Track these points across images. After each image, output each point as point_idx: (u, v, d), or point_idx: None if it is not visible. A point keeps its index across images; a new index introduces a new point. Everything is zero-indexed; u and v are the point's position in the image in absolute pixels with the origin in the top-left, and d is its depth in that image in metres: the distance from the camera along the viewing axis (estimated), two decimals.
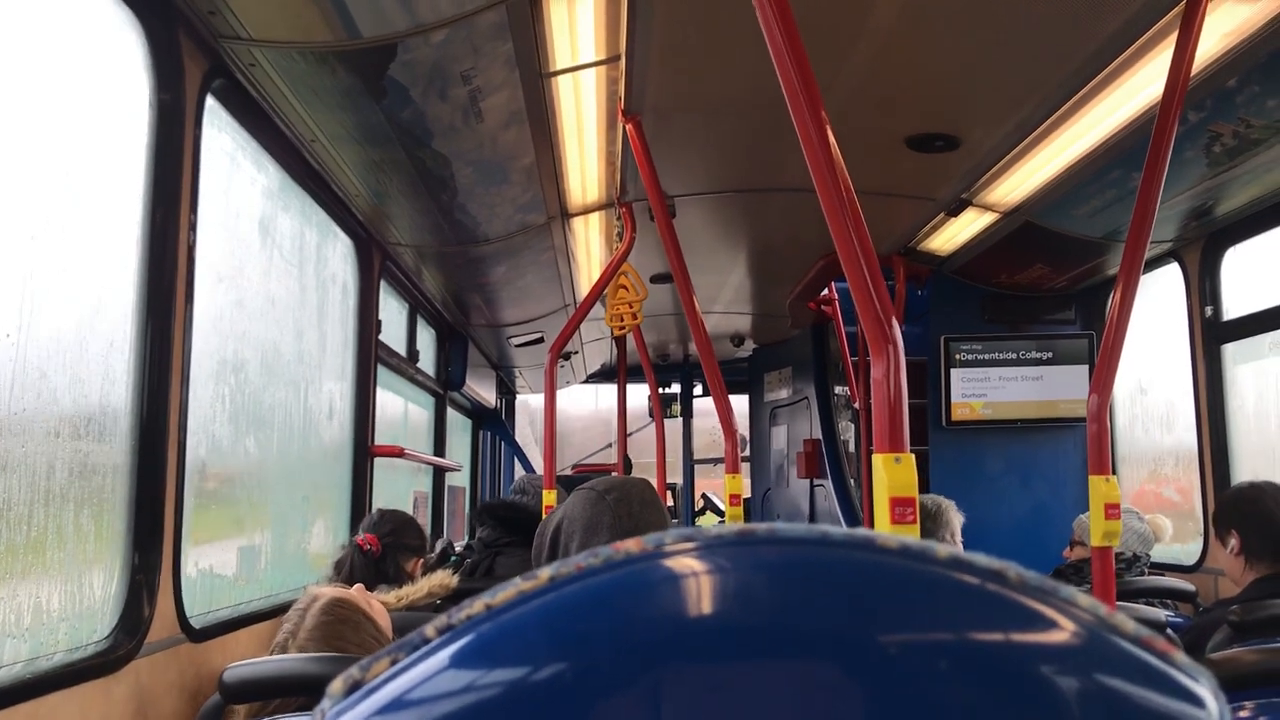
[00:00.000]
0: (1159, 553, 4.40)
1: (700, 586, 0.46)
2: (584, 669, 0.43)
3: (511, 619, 0.46)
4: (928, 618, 0.45)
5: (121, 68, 2.43)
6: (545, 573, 0.47)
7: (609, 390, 9.73)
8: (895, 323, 1.70)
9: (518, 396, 10.41)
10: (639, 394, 9.63)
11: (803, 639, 0.44)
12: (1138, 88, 3.18)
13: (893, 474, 1.62)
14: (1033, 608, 0.46)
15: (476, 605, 0.47)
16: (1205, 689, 0.45)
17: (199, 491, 2.87)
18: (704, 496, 10.13)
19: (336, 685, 0.47)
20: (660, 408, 6.29)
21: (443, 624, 0.47)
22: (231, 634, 2.88)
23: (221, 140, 2.97)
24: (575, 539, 2.02)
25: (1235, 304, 4.29)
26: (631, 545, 0.48)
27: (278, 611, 3.26)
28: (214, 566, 3.05)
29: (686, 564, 0.47)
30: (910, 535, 1.57)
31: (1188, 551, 4.57)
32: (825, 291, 6.43)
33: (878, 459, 1.66)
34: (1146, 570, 4.04)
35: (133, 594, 2.33)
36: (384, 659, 0.47)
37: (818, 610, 0.45)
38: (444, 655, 0.45)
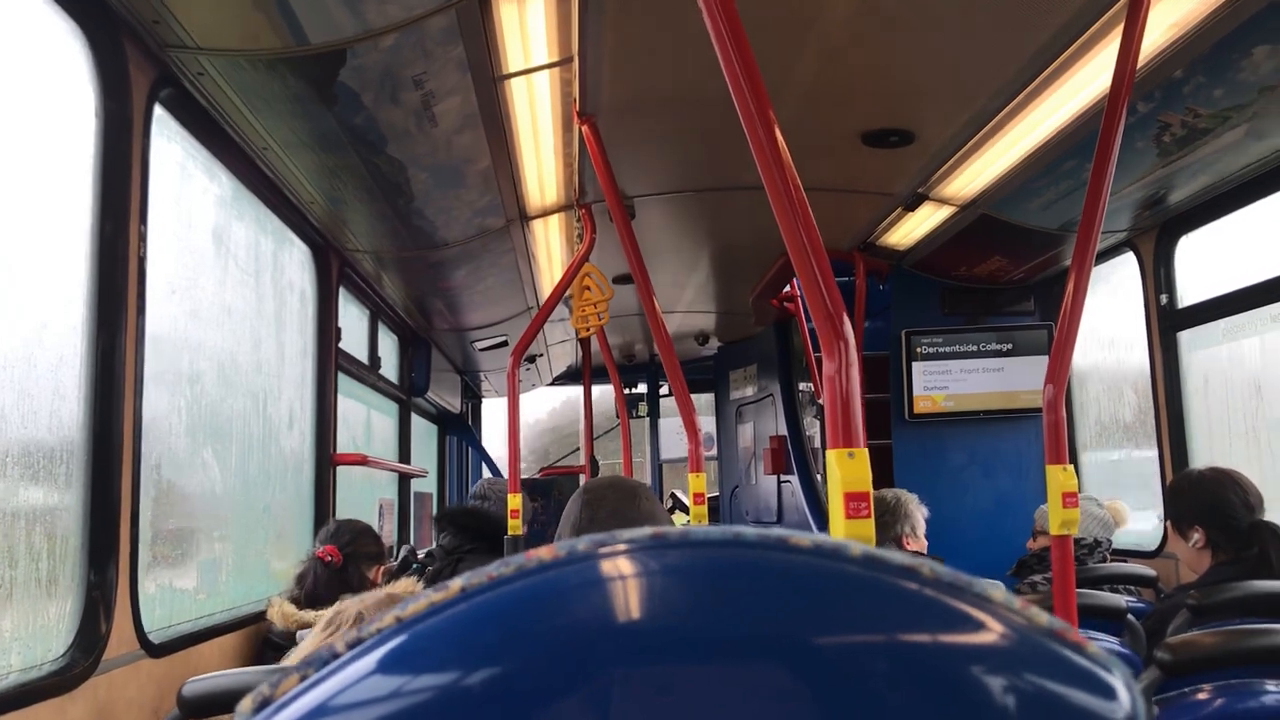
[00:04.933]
0: (1120, 538, 4.44)
1: (612, 592, 0.46)
2: (491, 679, 0.43)
3: (422, 631, 0.45)
4: (841, 616, 0.45)
5: (66, 79, 2.40)
6: (457, 583, 0.47)
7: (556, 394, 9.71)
8: (846, 319, 1.70)
9: (483, 401, 10.38)
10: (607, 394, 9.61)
11: (716, 640, 0.44)
12: (1087, 80, 3.21)
13: (846, 469, 1.62)
14: (946, 603, 0.46)
15: (388, 618, 0.46)
16: (1117, 679, 0.45)
17: (155, 504, 2.84)
18: (672, 495, 10.13)
19: (245, 703, 0.46)
20: (626, 408, 6.28)
21: (353, 639, 0.46)
22: (194, 648, 2.86)
23: (171, 150, 2.94)
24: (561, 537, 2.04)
25: (1197, 290, 4.33)
26: (544, 552, 0.48)
27: (240, 624, 3.23)
28: (173, 581, 3.01)
29: (599, 570, 0.47)
30: (864, 530, 1.57)
31: (1149, 537, 4.62)
32: (787, 288, 6.44)
33: (831, 454, 1.66)
34: (1108, 555, 4.07)
35: (89, 611, 2.30)
36: (294, 675, 0.46)
37: (731, 611, 0.45)
38: (353, 669, 0.45)
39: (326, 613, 2.21)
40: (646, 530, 0.49)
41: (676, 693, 0.43)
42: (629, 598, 0.46)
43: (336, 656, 0.46)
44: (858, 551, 0.47)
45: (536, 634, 0.44)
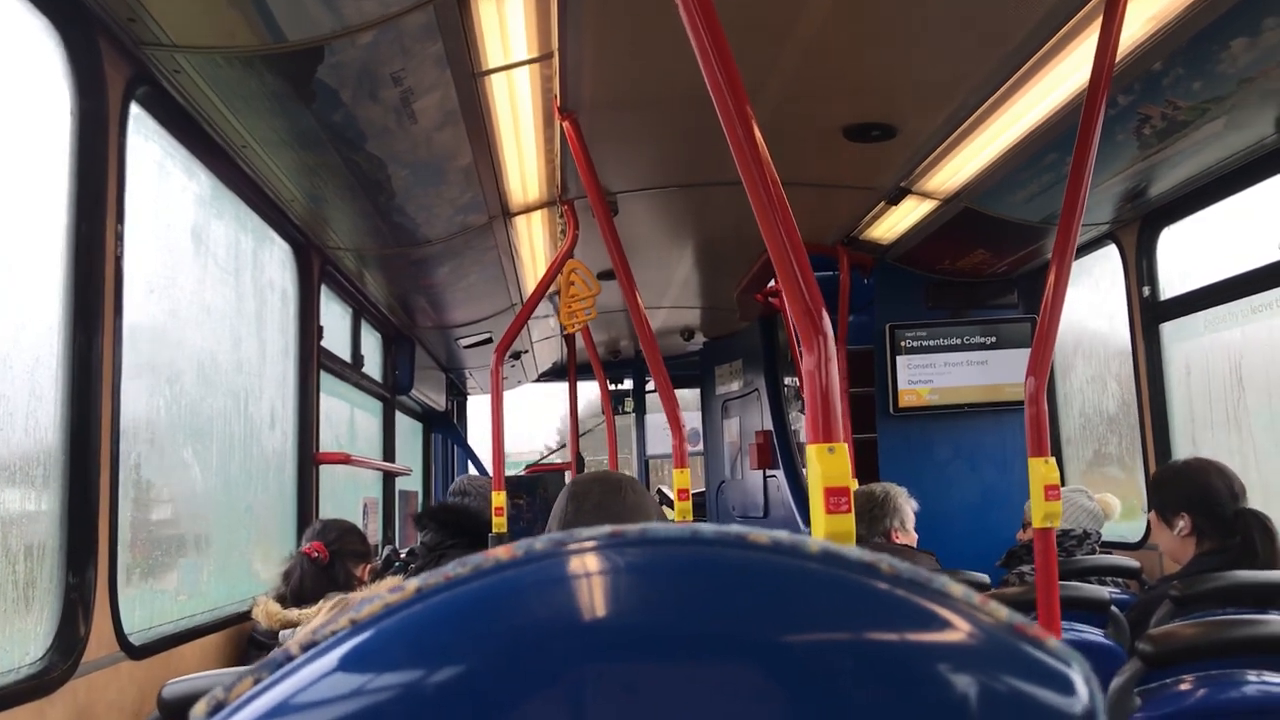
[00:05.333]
0: (1104, 529, 4.46)
1: (568, 591, 0.46)
2: (446, 680, 0.42)
3: (377, 632, 0.45)
4: (799, 613, 0.45)
5: (40, 77, 2.38)
6: (413, 584, 0.46)
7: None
8: (825, 314, 1.70)
9: (469, 398, 10.36)
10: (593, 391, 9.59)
11: (672, 638, 0.44)
12: (1068, 72, 3.21)
13: (826, 464, 1.62)
14: (905, 599, 0.46)
15: (342, 621, 0.46)
16: (1077, 674, 0.45)
17: (135, 505, 2.82)
18: (659, 491, 10.13)
19: (200, 707, 0.46)
20: (611, 405, 6.28)
21: (307, 641, 0.46)
22: (175, 649, 2.84)
23: (149, 148, 2.92)
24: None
25: (1187, 281, 4.34)
26: (502, 552, 0.47)
27: (223, 625, 3.22)
28: (154, 582, 3.00)
29: (556, 569, 0.46)
30: (844, 525, 1.57)
31: (1133, 528, 4.64)
32: (772, 283, 6.45)
33: (811, 449, 1.66)
34: (1097, 547, 4.09)
35: (68, 612, 2.29)
36: (248, 678, 0.46)
37: (688, 609, 0.45)
38: (306, 672, 0.44)
39: (328, 602, 2.20)
40: (605, 528, 0.48)
41: (636, 691, 0.42)
42: (586, 596, 0.46)
43: (291, 659, 0.45)
44: (816, 548, 0.47)
45: (492, 634, 0.44)
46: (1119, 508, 4.28)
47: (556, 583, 0.46)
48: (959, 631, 0.45)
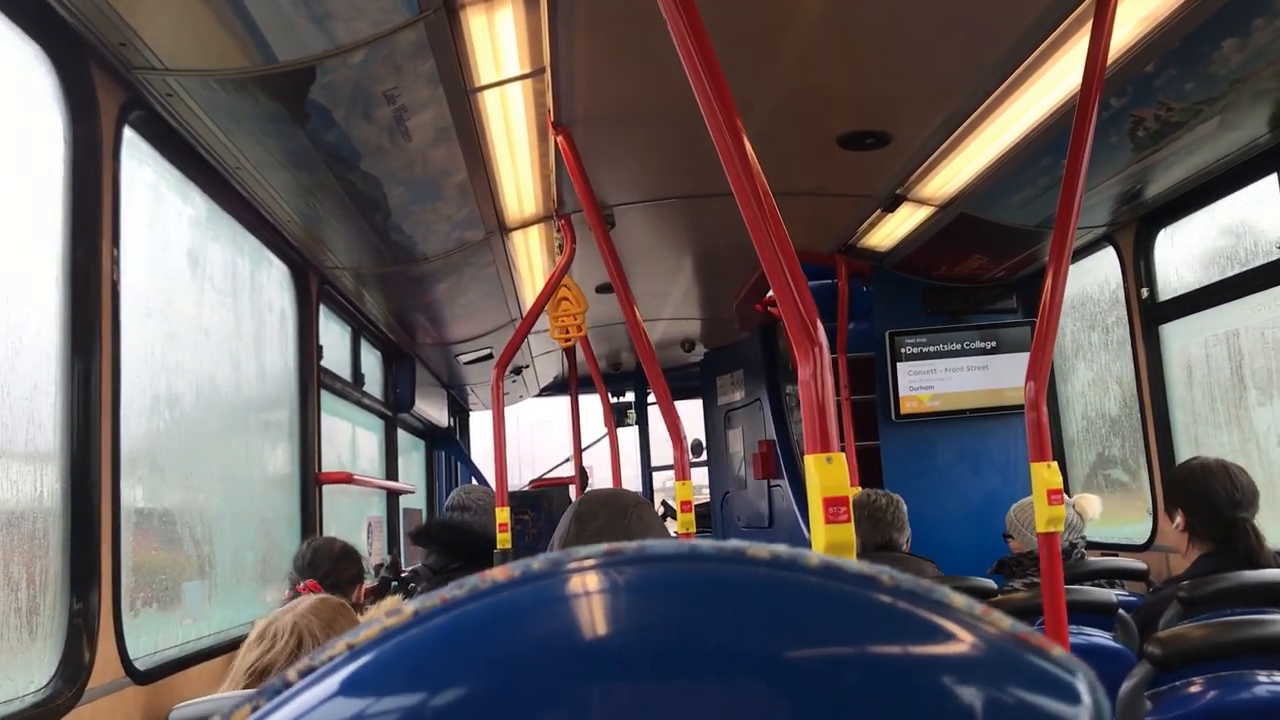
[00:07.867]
0: (1109, 533, 4.43)
1: (566, 612, 0.45)
2: (446, 704, 0.42)
3: (373, 658, 0.44)
4: (801, 627, 0.44)
5: (32, 103, 2.38)
6: (410, 607, 0.46)
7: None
8: (819, 324, 1.70)
9: (471, 414, 10.35)
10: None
11: (674, 656, 0.43)
12: (1060, 76, 3.22)
13: (824, 474, 1.62)
14: (907, 611, 0.45)
15: (339, 645, 0.45)
16: (1082, 683, 0.44)
17: (137, 530, 2.82)
18: (664, 503, 10.11)
19: None
20: (613, 417, 6.27)
21: (305, 667, 0.45)
22: (180, 673, 2.83)
23: (143, 172, 2.92)
24: None
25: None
26: (499, 573, 0.47)
27: (228, 648, 3.20)
28: (158, 607, 2.99)
29: (554, 589, 0.46)
30: (843, 535, 1.57)
31: (1139, 531, 4.62)
32: (771, 293, 6.43)
33: (809, 459, 1.66)
34: (1085, 552, 4.04)
35: (71, 639, 2.28)
36: (245, 706, 0.45)
37: (689, 627, 0.44)
38: (305, 699, 0.44)
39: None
40: (602, 546, 0.48)
41: (639, 711, 0.42)
42: (585, 616, 0.45)
43: (288, 685, 0.45)
44: (815, 561, 0.46)
45: (491, 656, 0.43)
46: (1098, 506, 4.09)
47: (554, 603, 0.45)
48: (962, 643, 0.44)
